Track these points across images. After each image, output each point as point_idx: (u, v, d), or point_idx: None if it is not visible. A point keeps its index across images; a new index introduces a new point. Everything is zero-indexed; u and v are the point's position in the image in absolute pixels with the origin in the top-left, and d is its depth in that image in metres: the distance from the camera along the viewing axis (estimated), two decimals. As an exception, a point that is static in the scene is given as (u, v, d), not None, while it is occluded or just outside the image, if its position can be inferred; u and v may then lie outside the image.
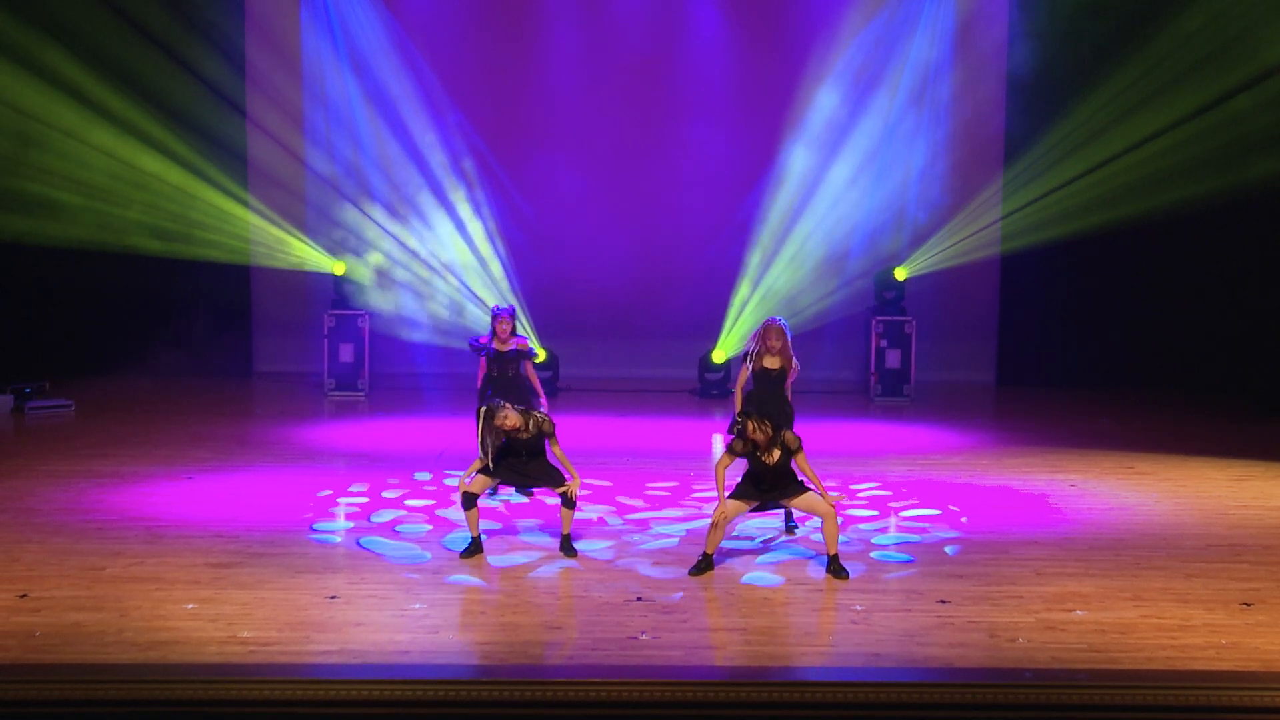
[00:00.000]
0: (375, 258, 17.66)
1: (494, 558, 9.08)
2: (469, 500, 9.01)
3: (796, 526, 9.83)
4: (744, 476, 8.82)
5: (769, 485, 8.71)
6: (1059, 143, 17.27)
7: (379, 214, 18.13)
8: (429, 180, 18.08)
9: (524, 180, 18.45)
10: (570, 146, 18.42)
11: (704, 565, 8.71)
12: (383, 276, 17.69)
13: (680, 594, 8.27)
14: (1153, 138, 16.36)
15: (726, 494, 8.83)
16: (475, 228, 18.09)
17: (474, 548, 9.05)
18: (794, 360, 10.11)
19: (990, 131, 18.29)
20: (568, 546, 9.14)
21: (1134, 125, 16.63)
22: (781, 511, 9.74)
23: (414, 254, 18.12)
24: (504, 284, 17.87)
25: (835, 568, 8.67)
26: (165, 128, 16.73)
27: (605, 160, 18.49)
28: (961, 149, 18.35)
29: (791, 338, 10.10)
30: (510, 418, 8.89)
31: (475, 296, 17.90)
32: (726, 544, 9.36)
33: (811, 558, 9.11)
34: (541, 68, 18.44)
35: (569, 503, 9.09)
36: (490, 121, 18.43)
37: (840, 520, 10.13)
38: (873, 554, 9.31)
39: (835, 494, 9.03)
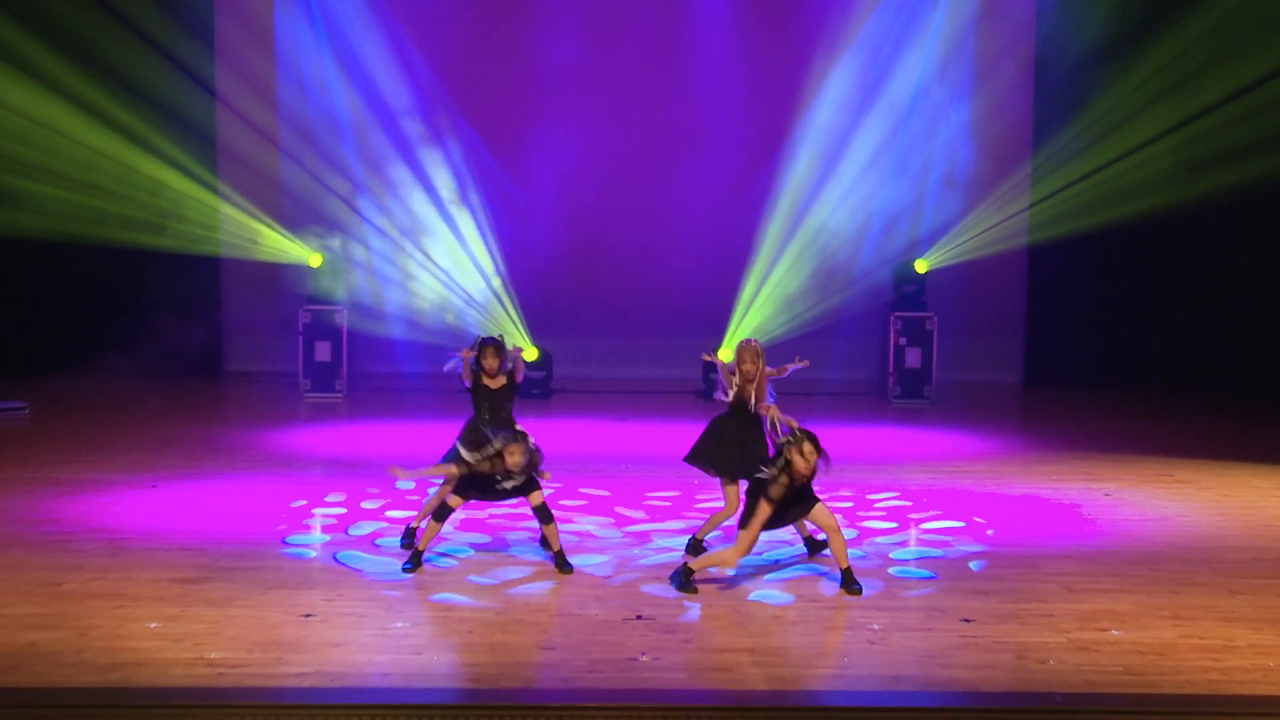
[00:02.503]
0: (335, 242, 17.59)
1: (481, 574, 9.06)
2: (444, 513, 9.03)
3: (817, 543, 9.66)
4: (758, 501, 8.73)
5: (792, 504, 8.65)
6: (1091, 125, 17.26)
7: (358, 200, 18.12)
8: (413, 166, 18.07)
9: (515, 164, 18.44)
10: (565, 127, 18.41)
11: (688, 577, 8.70)
12: (343, 261, 17.62)
13: (683, 612, 8.25)
14: (1193, 119, 16.35)
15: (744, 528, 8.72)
16: (462, 216, 18.08)
17: (417, 561, 9.11)
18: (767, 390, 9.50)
19: (1017, 113, 18.29)
20: (562, 563, 9.12)
21: (1173, 105, 16.63)
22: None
23: (396, 244, 18.11)
24: (493, 276, 17.86)
25: (848, 582, 8.65)
26: (125, 107, 16.70)
27: (603, 142, 18.48)
28: (987, 132, 18.34)
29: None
30: (516, 454, 8.89)
31: (462, 290, 17.89)
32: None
33: (824, 573, 9.10)
34: (535, 45, 18.43)
35: (545, 516, 9.08)
36: (479, 103, 18.42)
37: (855, 533, 10.15)
38: (891, 569, 9.30)
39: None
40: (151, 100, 17.13)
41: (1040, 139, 18.01)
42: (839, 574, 8.77)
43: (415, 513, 10.68)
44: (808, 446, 8.42)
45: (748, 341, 9.49)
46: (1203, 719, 6.61)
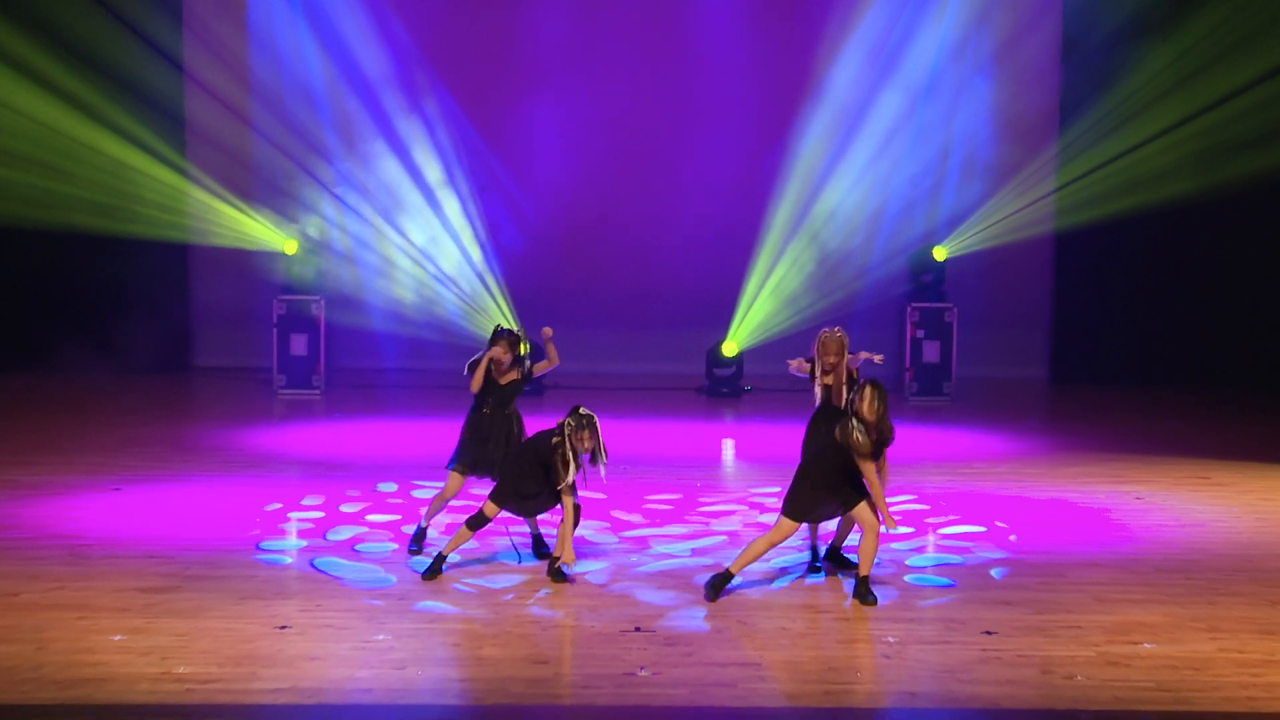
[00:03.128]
0: (312, 227, 17.56)
1: (469, 581, 9.06)
2: (479, 522, 9.05)
3: (821, 568, 9.52)
4: (802, 482, 8.75)
5: (836, 487, 8.68)
6: (1123, 103, 17.24)
7: (336, 183, 18.09)
8: (394, 145, 18.05)
9: (503, 142, 18.41)
10: (558, 100, 18.37)
11: (721, 583, 8.72)
12: (319, 246, 17.61)
13: (685, 623, 8.25)
14: (1233, 96, 16.30)
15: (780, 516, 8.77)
16: (447, 198, 18.06)
17: (438, 567, 9.10)
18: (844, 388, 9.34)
19: (1043, 91, 18.27)
20: (558, 573, 9.09)
21: (1211, 82, 16.58)
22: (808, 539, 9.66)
23: (377, 230, 18.09)
24: (483, 266, 17.86)
25: (863, 591, 8.65)
26: (86, 82, 16.69)
27: (599, 118, 18.45)
28: (1010, 111, 18.32)
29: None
30: (587, 438, 8.92)
31: (448, 280, 17.88)
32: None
33: (844, 578, 9.09)
34: (529, 23, 18.39)
35: (576, 516, 9.07)
36: (465, 77, 18.39)
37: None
38: (907, 577, 9.30)
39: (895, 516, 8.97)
40: (114, 75, 17.11)
41: (1067, 118, 17.99)
42: (853, 581, 8.77)
43: (397, 516, 10.68)
44: (868, 391, 8.50)
45: (831, 330, 9.47)
46: (1241, 738, 6.61)
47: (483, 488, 9.56)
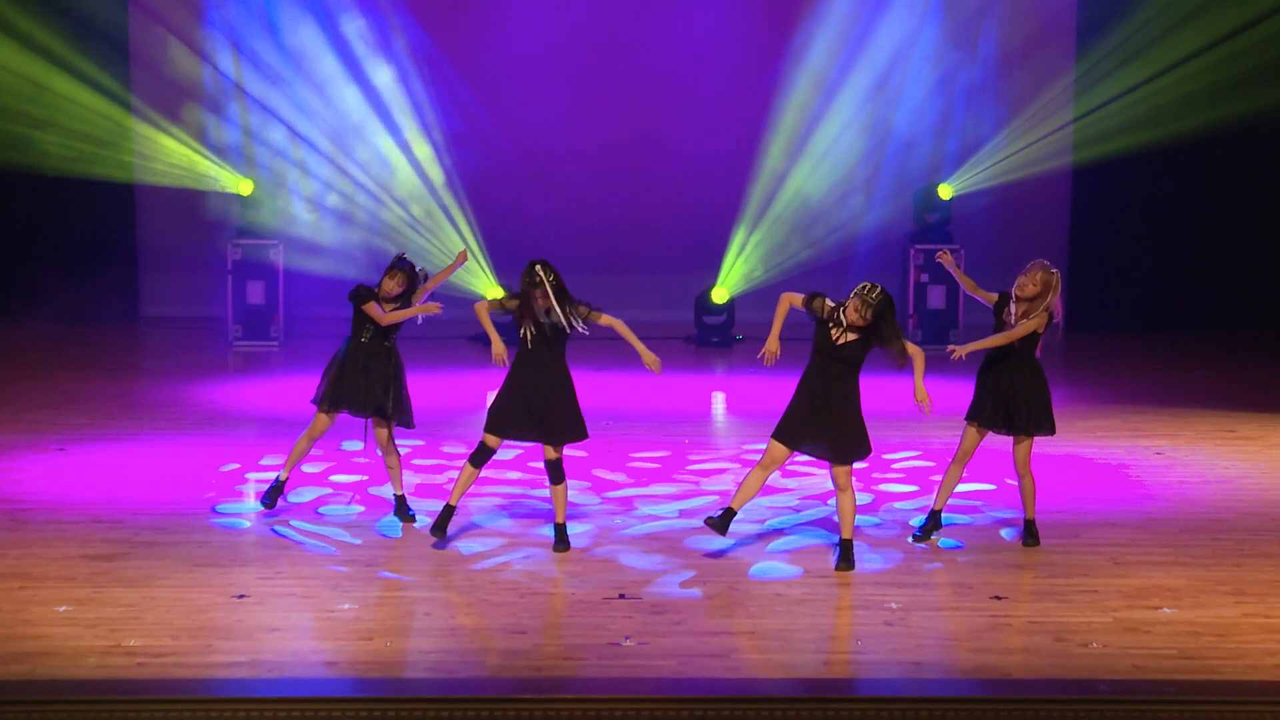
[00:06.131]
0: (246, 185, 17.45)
1: (440, 547, 9.07)
2: (484, 456, 8.99)
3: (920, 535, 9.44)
4: (792, 402, 8.77)
5: (815, 413, 8.67)
6: (1148, 23, 17.10)
7: (295, 117, 17.97)
8: (360, 79, 17.89)
9: (478, 75, 18.24)
10: (536, 36, 18.21)
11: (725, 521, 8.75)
12: (278, 188, 17.55)
13: (672, 590, 8.28)
14: (1271, 14, 16.14)
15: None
16: (416, 136, 17.94)
17: (446, 519, 9.04)
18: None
19: (1059, 9, 18.17)
20: (562, 538, 9.05)
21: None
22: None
23: (338, 166, 17.98)
24: (455, 208, 17.77)
25: (845, 555, 8.74)
26: (18, 8, 16.53)
27: (580, 51, 18.29)
28: (1023, 32, 18.22)
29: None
30: (540, 297, 8.89)
31: (416, 222, 17.81)
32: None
33: (835, 544, 9.13)
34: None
35: (557, 473, 9.04)
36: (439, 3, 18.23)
37: (871, 497, 10.18)
38: (911, 538, 9.33)
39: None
40: (53, 1, 16.95)
41: (1086, 40, 17.88)
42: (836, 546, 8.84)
43: (365, 476, 10.68)
44: (860, 299, 8.50)
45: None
46: (1268, 710, 6.65)
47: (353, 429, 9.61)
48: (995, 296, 9.30)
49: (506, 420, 8.93)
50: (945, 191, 17.54)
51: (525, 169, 18.32)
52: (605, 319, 9.09)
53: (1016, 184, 18.01)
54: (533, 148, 18.32)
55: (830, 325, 8.61)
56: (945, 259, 9.62)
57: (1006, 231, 18.39)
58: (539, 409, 8.89)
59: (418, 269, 9.68)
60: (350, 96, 17.94)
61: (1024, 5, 18.24)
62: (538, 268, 8.84)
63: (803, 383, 8.75)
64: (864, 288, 8.52)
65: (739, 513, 8.80)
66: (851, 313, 8.52)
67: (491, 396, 9.13)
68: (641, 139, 18.44)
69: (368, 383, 9.40)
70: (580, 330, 8.98)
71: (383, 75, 17.88)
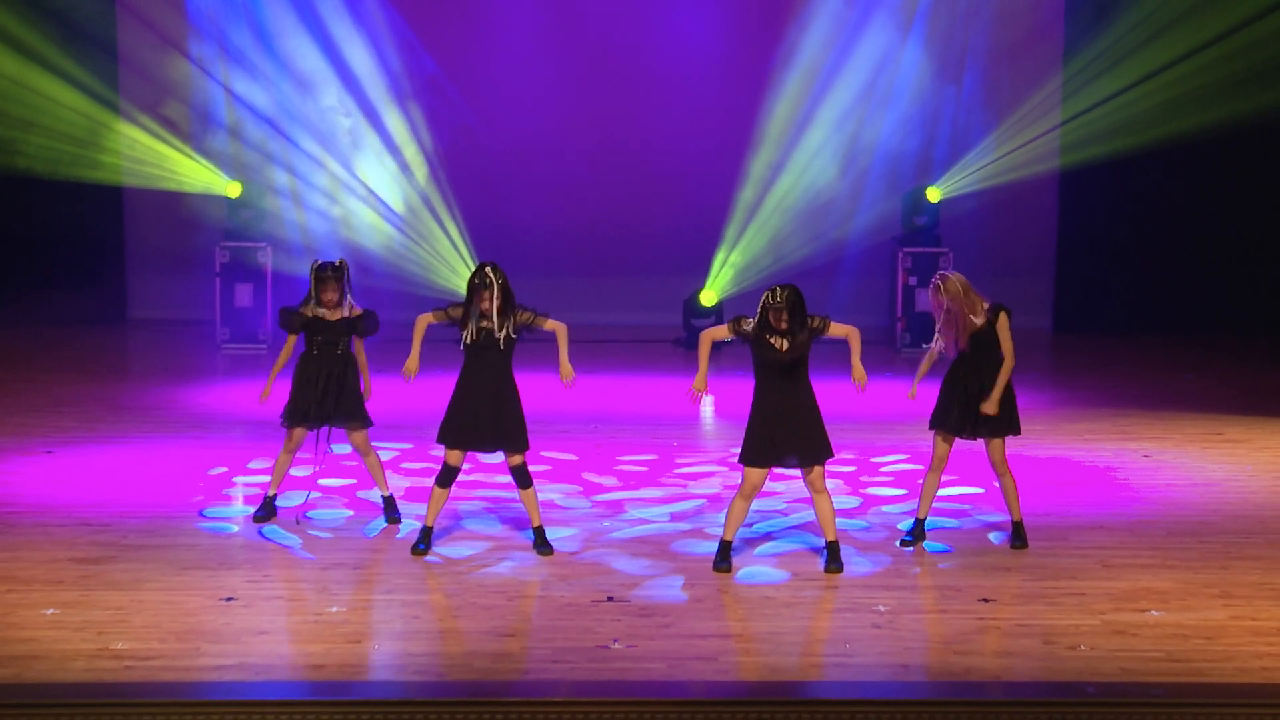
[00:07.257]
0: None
1: (428, 550, 9.06)
2: (449, 476, 9.00)
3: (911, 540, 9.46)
4: (752, 423, 8.77)
5: (780, 427, 8.67)
6: (1136, 27, 17.12)
7: (283, 119, 17.96)
8: (345, 78, 17.88)
9: (465, 76, 18.24)
10: (525, 40, 18.20)
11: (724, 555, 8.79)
12: (266, 191, 17.52)
13: (661, 593, 8.28)
14: (1261, 17, 16.13)
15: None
16: (405, 138, 17.92)
17: (426, 539, 9.05)
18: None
19: (1048, 12, 18.19)
20: (542, 542, 9.05)
21: (1234, 2, 16.43)
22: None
23: (327, 169, 17.96)
24: (443, 210, 17.76)
25: (832, 557, 8.74)
26: (8, 8, 16.50)
27: (570, 54, 18.28)
28: (1011, 35, 18.24)
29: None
30: (486, 298, 8.93)
31: (400, 220, 17.79)
32: (715, 532, 9.35)
33: (822, 548, 9.14)
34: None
35: (523, 478, 9.05)
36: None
37: (859, 500, 10.19)
38: (899, 542, 9.34)
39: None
40: (39, 3, 16.92)
41: (1073, 44, 17.91)
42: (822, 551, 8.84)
43: (352, 480, 10.68)
44: (774, 310, 8.58)
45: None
46: (1256, 712, 6.67)
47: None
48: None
49: (462, 433, 8.94)
50: (933, 195, 17.54)
51: (514, 172, 18.32)
52: (550, 324, 9.17)
53: (1004, 187, 18.02)
54: (522, 150, 18.32)
55: (769, 337, 8.63)
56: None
57: (995, 235, 18.44)
58: (491, 417, 8.90)
59: (337, 261, 9.71)
60: (337, 98, 17.93)
61: (1011, 9, 18.26)
62: (488, 269, 8.98)
63: (756, 403, 8.74)
64: (771, 295, 8.62)
65: (734, 540, 8.84)
66: (778, 322, 8.57)
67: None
68: (630, 141, 18.44)
69: (317, 395, 9.46)
70: (513, 337, 8.96)
71: (371, 78, 17.87)
